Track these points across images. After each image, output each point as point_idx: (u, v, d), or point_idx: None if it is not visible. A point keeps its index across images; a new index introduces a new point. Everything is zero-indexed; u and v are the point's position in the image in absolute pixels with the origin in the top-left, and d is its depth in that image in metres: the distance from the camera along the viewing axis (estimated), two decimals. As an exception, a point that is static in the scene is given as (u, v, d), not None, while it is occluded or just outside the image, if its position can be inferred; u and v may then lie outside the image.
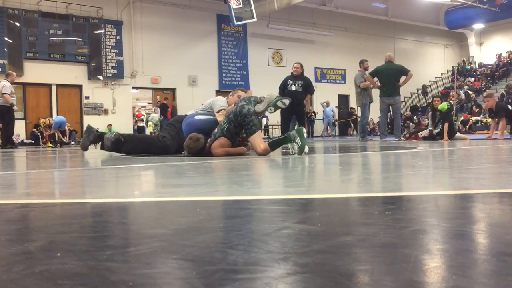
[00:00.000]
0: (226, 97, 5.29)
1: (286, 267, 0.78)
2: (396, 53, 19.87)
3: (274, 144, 4.38)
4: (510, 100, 14.51)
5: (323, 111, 20.79)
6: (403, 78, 9.69)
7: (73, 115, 16.27)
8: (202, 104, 5.33)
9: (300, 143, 4.21)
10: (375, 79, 9.92)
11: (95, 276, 0.75)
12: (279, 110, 4.69)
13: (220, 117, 4.68)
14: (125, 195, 1.91)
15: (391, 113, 10.49)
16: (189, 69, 18.42)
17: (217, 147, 4.32)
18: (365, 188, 1.94)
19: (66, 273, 0.77)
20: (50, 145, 13.15)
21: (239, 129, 4.34)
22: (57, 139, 13.40)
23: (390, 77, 9.60)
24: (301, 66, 8.76)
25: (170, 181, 2.35)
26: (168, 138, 4.98)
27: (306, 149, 4.22)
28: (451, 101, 15.27)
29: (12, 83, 10.32)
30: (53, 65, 15.81)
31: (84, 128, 6.81)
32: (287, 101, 4.47)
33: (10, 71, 11.15)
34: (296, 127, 5.95)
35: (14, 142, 11.49)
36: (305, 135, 4.31)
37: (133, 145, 5.00)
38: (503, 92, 20.46)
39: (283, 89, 8.72)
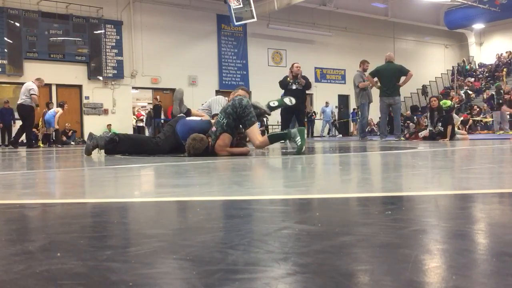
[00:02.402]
0: (227, 97, 5.29)
1: (286, 267, 0.78)
2: (396, 53, 19.83)
3: (273, 138, 4.50)
4: (500, 101, 14.43)
5: (322, 112, 20.80)
6: (403, 78, 9.71)
7: (73, 115, 16.25)
8: (202, 105, 5.33)
9: (300, 143, 4.35)
10: (375, 79, 9.93)
11: (95, 276, 0.75)
12: (279, 110, 4.81)
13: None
14: (125, 195, 1.91)
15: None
16: (189, 69, 18.42)
17: (222, 146, 4.33)
18: (365, 188, 1.94)
19: (66, 273, 0.77)
20: (42, 145, 13.10)
21: (237, 122, 4.39)
22: (53, 139, 13.40)
23: (390, 77, 9.61)
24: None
25: (170, 181, 2.35)
26: (161, 138, 5.00)
27: (303, 149, 4.38)
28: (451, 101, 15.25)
29: (38, 87, 10.97)
30: (53, 65, 15.80)
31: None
32: (294, 100, 4.84)
33: (40, 78, 11.43)
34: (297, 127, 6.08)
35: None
36: (305, 136, 4.50)
37: (127, 146, 5.02)
38: (493, 93, 20.42)
39: (284, 88, 8.75)
